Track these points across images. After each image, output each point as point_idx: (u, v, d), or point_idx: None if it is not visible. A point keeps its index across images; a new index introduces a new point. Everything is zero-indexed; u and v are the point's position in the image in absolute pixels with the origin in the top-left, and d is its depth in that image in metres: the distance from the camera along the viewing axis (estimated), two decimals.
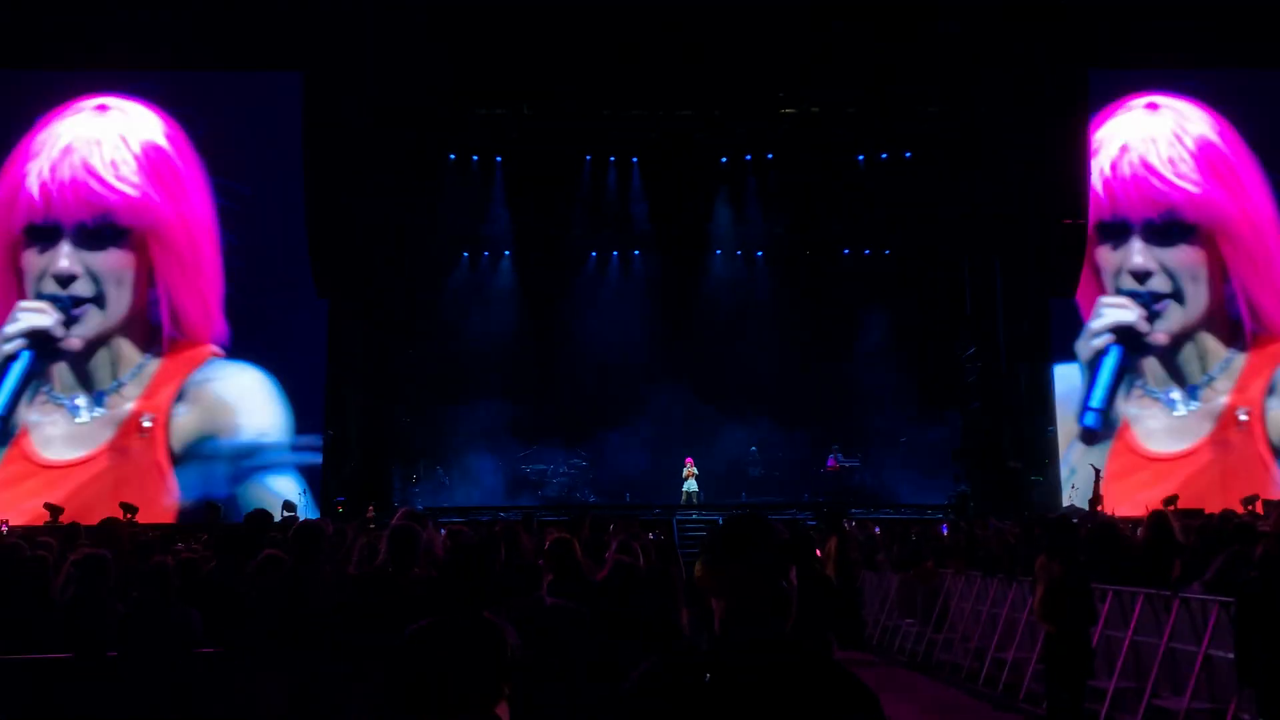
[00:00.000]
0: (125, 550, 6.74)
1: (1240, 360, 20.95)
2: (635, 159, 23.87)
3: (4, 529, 13.72)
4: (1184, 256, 21.13)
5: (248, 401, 20.12)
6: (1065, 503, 19.88)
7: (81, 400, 19.94)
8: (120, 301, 20.33)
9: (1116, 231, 21.22)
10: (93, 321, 20.22)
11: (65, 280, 20.12)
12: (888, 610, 14.00)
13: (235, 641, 5.13)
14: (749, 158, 23.94)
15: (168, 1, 20.01)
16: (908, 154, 23.29)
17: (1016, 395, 21.06)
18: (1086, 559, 8.83)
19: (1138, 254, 21.12)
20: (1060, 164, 20.37)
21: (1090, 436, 20.72)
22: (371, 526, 5.69)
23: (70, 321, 20.10)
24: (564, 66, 20.27)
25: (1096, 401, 20.77)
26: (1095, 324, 20.94)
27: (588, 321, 23.42)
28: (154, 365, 20.25)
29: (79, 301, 20.16)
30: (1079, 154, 20.62)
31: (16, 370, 19.79)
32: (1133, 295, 21.01)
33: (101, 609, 5.18)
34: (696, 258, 24.64)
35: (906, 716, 9.16)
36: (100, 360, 20.14)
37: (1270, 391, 20.80)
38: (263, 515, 6.89)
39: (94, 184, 20.42)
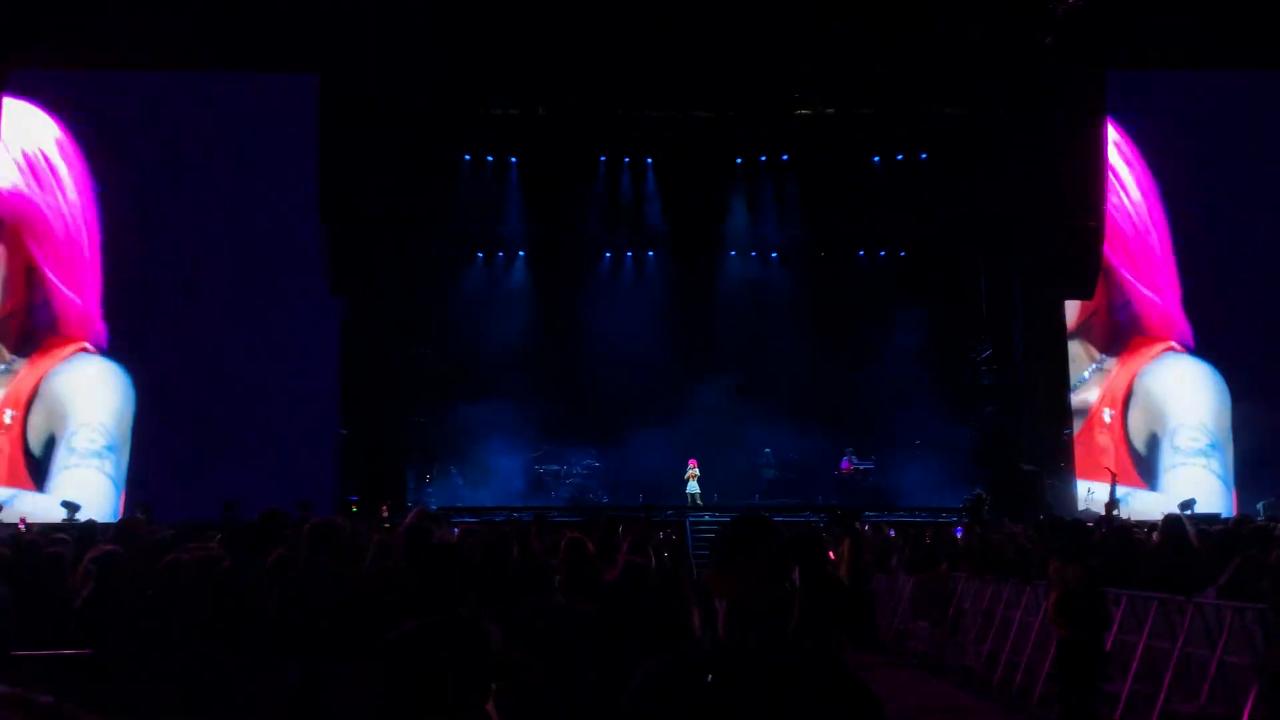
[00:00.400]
0: (143, 548, 6.79)
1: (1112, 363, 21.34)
2: (650, 159, 23.86)
3: (22, 526, 13.82)
4: None
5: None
6: (1080, 506, 19.81)
7: None
8: None
9: None
10: None
11: None
12: (900, 612, 13.96)
13: (242, 641, 5.16)
14: (764, 158, 23.91)
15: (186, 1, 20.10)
16: (923, 155, 23.23)
17: (1032, 398, 20.98)
18: (1101, 563, 8.81)
19: None
20: (1076, 165, 20.29)
21: None
22: (386, 525, 5.71)
23: None
24: (579, 66, 20.29)
25: None
26: None
27: (601, 322, 23.41)
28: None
29: None
30: (1095, 155, 20.53)
31: None
32: None
33: (117, 606, 5.22)
34: (711, 259, 24.61)
35: (918, 718, 9.14)
36: None
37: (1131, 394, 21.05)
38: (277, 514, 6.91)
39: None
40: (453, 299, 23.64)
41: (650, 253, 24.88)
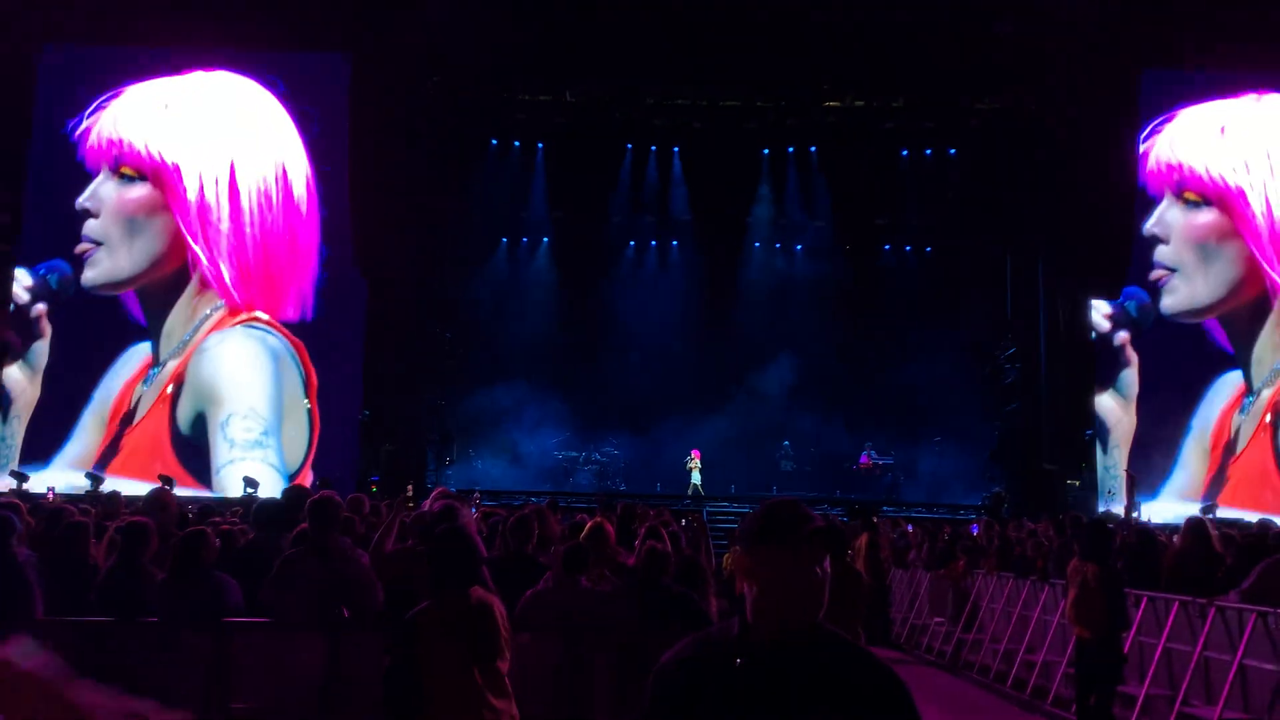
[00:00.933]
0: (171, 521, 6.86)
1: None
2: (676, 148, 23.80)
3: (51, 495, 13.97)
4: None
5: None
6: (1101, 508, 19.68)
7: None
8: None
9: None
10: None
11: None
12: (916, 608, 13.93)
13: (268, 611, 5.21)
14: (791, 150, 23.80)
15: None
16: (952, 150, 23.08)
17: (1055, 398, 20.84)
18: (1123, 565, 8.75)
19: None
20: (1108, 164, 20.10)
21: None
22: (410, 506, 5.75)
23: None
24: (608, 54, 20.24)
25: None
26: None
27: (624, 310, 23.43)
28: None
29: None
30: (1128, 155, 20.34)
31: None
32: None
33: (141, 575, 5.28)
34: (735, 249, 24.55)
35: (932, 716, 9.10)
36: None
37: None
38: (301, 490, 6.98)
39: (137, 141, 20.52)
40: (476, 284, 23.69)
41: (674, 242, 24.84)
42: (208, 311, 20.29)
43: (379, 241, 20.17)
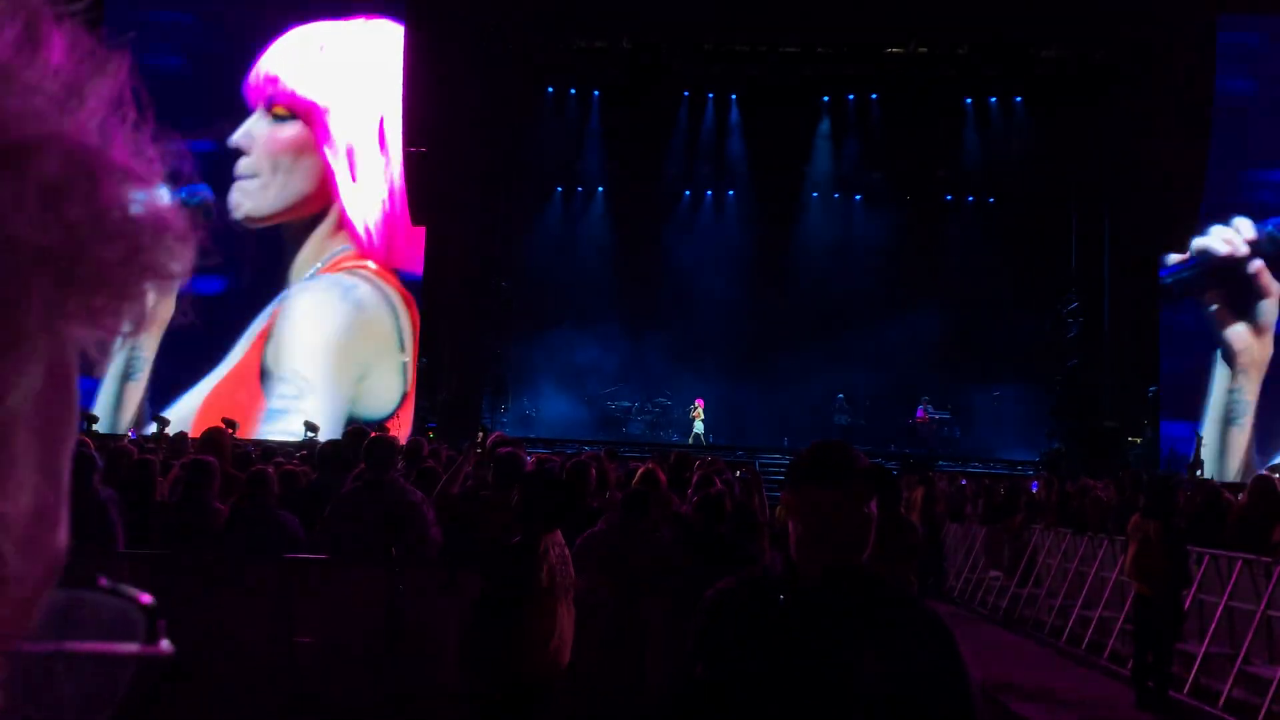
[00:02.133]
0: (227, 459, 7.00)
1: None
2: (734, 95, 23.48)
3: (132, 436, 14.35)
4: None
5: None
6: (1163, 465, 19.36)
7: None
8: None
9: None
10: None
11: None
12: (971, 563, 13.85)
13: (324, 547, 5.32)
14: (851, 97, 23.36)
15: None
16: (1018, 99, 22.51)
17: (1118, 353, 20.43)
18: (1185, 521, 8.62)
19: None
20: (1178, 115, 19.47)
21: None
22: (479, 451, 5.81)
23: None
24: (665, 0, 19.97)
25: None
26: None
27: (679, 260, 23.33)
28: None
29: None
30: (1199, 105, 19.67)
31: None
32: None
33: (205, 510, 5.41)
34: (793, 199, 24.23)
35: (987, 669, 9.08)
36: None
37: None
38: (360, 431, 7.07)
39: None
40: (532, 232, 23.71)
41: (731, 191, 24.58)
42: (336, 250, 20.70)
43: (435, 190, 20.24)
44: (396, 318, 20.72)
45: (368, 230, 20.82)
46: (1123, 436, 19.83)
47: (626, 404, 23.29)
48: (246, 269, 19.90)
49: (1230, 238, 20.10)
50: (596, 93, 23.40)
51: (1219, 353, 19.95)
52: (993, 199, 23.63)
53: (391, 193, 20.83)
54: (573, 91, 23.45)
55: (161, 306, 0.52)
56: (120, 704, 0.51)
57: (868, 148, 23.54)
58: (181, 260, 0.50)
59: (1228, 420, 19.65)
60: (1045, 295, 22.23)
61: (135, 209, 0.48)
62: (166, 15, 21.04)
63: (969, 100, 22.92)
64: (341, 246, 20.82)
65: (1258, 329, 19.92)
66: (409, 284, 20.85)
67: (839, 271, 23.27)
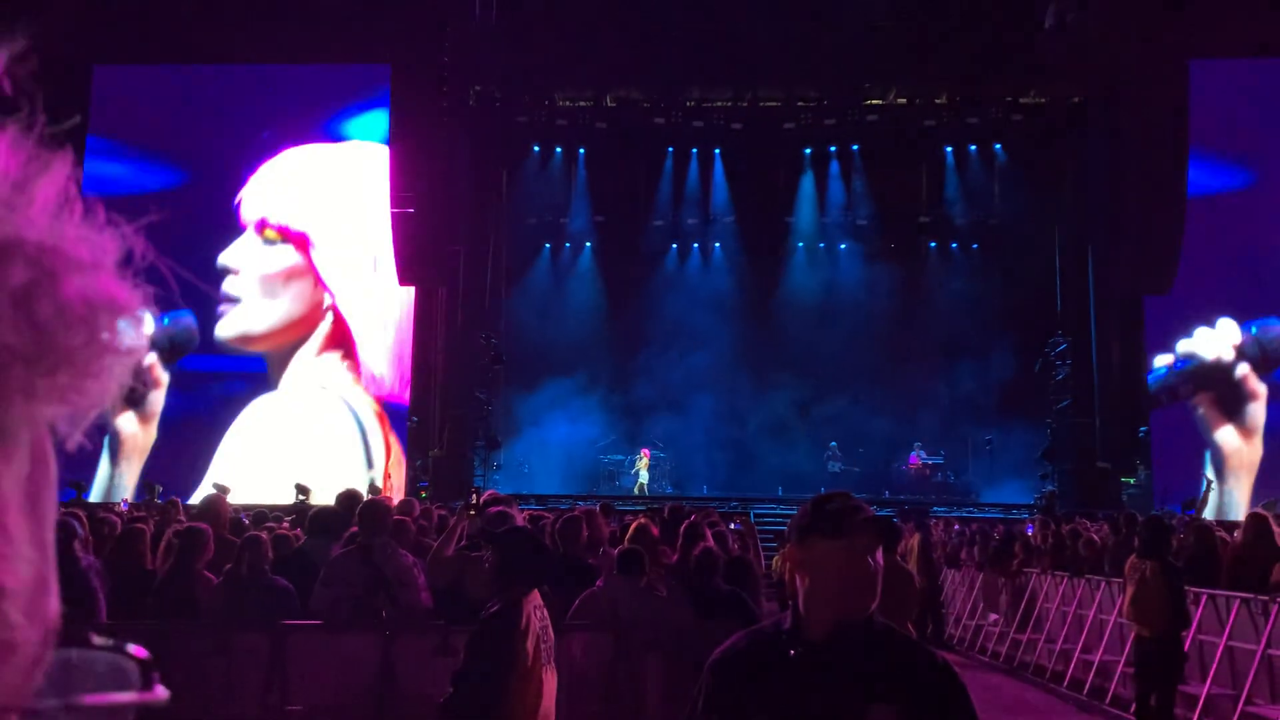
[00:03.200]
0: (224, 526, 6.96)
1: None
2: (717, 150, 23.76)
3: (124, 506, 14.26)
4: None
5: None
6: (1158, 506, 19.32)
7: None
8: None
9: None
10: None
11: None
12: (970, 608, 13.77)
13: (316, 613, 5.27)
14: (833, 149, 23.67)
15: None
16: (997, 146, 22.82)
17: (1108, 395, 20.51)
18: (1182, 561, 8.59)
19: None
20: (1156, 158, 19.75)
21: None
22: (471, 513, 5.79)
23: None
24: (647, 57, 20.28)
25: None
26: None
27: (668, 314, 23.43)
28: None
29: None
30: (1176, 148, 19.96)
31: None
32: None
33: (196, 579, 5.36)
34: (779, 250, 24.44)
35: (989, 717, 8.98)
36: None
37: None
38: (353, 495, 7.03)
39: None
40: (521, 290, 23.81)
41: (717, 244, 24.77)
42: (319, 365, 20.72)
43: (423, 249, 20.35)
44: (365, 438, 20.43)
45: (355, 355, 20.78)
46: (1115, 477, 19.83)
47: (619, 457, 23.24)
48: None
49: (1215, 341, 20.20)
50: (582, 150, 23.64)
51: (1208, 455, 19.92)
52: (976, 245, 23.86)
53: (383, 323, 20.86)
54: (558, 150, 23.69)
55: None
56: None
57: (851, 198, 23.80)
58: (136, 335, 0.53)
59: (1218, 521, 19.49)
60: (1033, 338, 22.35)
61: (92, 296, 0.51)
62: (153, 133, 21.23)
63: (949, 149, 23.22)
64: (339, 368, 20.70)
65: (1246, 431, 19.96)
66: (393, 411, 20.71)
67: (827, 321, 23.38)
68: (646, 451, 22.28)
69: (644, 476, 22.11)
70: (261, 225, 20.75)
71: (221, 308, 20.36)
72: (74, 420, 0.53)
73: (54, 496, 0.53)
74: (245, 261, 20.59)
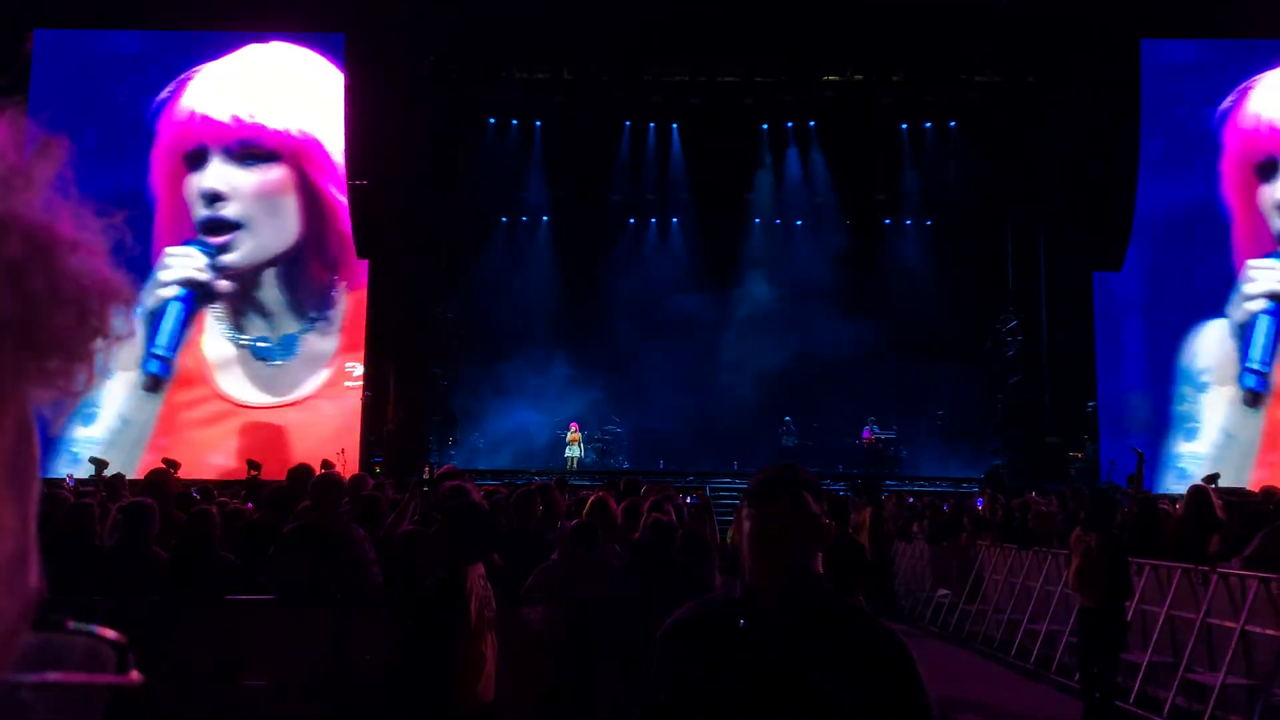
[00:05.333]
0: (170, 501, 6.87)
1: None
2: (675, 125, 23.70)
3: (70, 481, 14.04)
4: None
5: None
6: (1104, 480, 19.71)
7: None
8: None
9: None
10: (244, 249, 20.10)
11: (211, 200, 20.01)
12: (920, 580, 13.98)
13: (267, 588, 5.24)
14: (790, 125, 23.71)
15: None
16: (952, 123, 22.99)
17: (1057, 370, 20.85)
18: (1126, 534, 8.78)
19: None
20: (1107, 136, 20.03)
21: (1253, 399, 19.97)
22: (425, 490, 5.79)
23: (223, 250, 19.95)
24: (604, 30, 20.12)
25: (1256, 362, 19.96)
26: (1247, 288, 20.19)
27: (624, 288, 23.41)
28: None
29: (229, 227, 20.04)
30: (1127, 125, 20.25)
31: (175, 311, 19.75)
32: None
33: (144, 555, 5.30)
34: (736, 225, 24.47)
35: (937, 686, 9.14)
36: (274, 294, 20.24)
37: None
38: (305, 470, 6.99)
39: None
40: (477, 263, 23.66)
41: (675, 219, 24.76)
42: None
43: (378, 222, 20.13)
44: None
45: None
46: (1064, 452, 20.19)
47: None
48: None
49: None
50: (538, 123, 23.46)
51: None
52: (931, 221, 24.07)
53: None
54: (515, 122, 23.50)
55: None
56: None
57: (808, 174, 23.89)
58: (126, 320, 0.54)
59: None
60: (985, 314, 22.64)
61: (84, 277, 0.52)
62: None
63: (905, 125, 23.35)
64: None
65: None
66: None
67: (782, 296, 23.49)
68: (575, 425, 22.25)
69: (574, 450, 22.09)
70: (236, 144, 20.13)
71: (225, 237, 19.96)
72: (59, 406, 0.54)
73: (38, 472, 0.54)
74: (234, 185, 20.04)
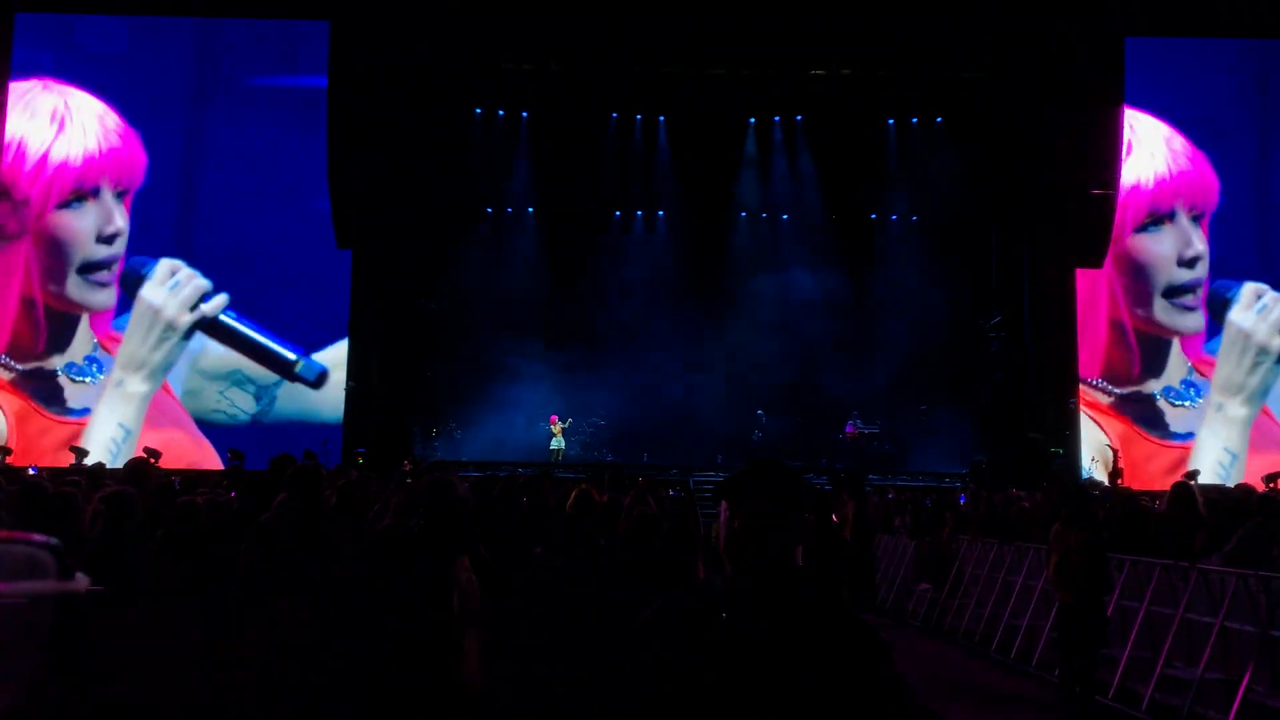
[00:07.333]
0: (151, 491, 6.83)
1: None
2: (662, 118, 23.67)
3: (33, 470, 13.93)
4: None
5: None
6: (1085, 476, 19.85)
7: None
8: None
9: None
10: None
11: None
12: (903, 575, 14.05)
13: (247, 580, 5.23)
14: (777, 119, 23.71)
15: None
16: (939, 119, 23.04)
17: (1040, 367, 20.95)
18: (1109, 532, 8.84)
19: None
20: (1092, 134, 20.13)
21: None
22: (408, 481, 5.76)
23: None
24: (592, 22, 20.06)
25: None
26: None
27: (610, 280, 23.39)
28: None
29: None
30: (1110, 123, 20.35)
31: None
32: None
33: (129, 545, 5.26)
34: (721, 219, 24.47)
35: (918, 680, 9.20)
36: None
37: None
38: (286, 460, 6.95)
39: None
40: (461, 254, 23.58)
41: (660, 212, 24.74)
42: None
43: (362, 213, 20.04)
44: None
45: None
46: (1046, 447, 20.30)
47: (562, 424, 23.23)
48: None
49: None
50: (525, 114, 23.38)
51: None
52: (916, 217, 24.12)
53: None
54: (501, 113, 23.40)
55: None
56: (46, 644, 0.53)
57: (794, 168, 23.90)
58: None
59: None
60: (969, 310, 22.72)
61: None
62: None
63: (891, 121, 23.39)
64: None
65: None
66: None
67: (768, 290, 23.53)
68: (555, 418, 22.29)
69: (558, 442, 22.12)
70: None
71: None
72: None
73: None
74: None
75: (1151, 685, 7.84)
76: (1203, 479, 19.60)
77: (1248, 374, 20.40)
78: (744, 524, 2.16)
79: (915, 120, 23.28)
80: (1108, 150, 20.27)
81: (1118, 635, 8.55)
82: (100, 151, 20.32)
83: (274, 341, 20.14)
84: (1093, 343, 20.71)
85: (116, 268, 20.07)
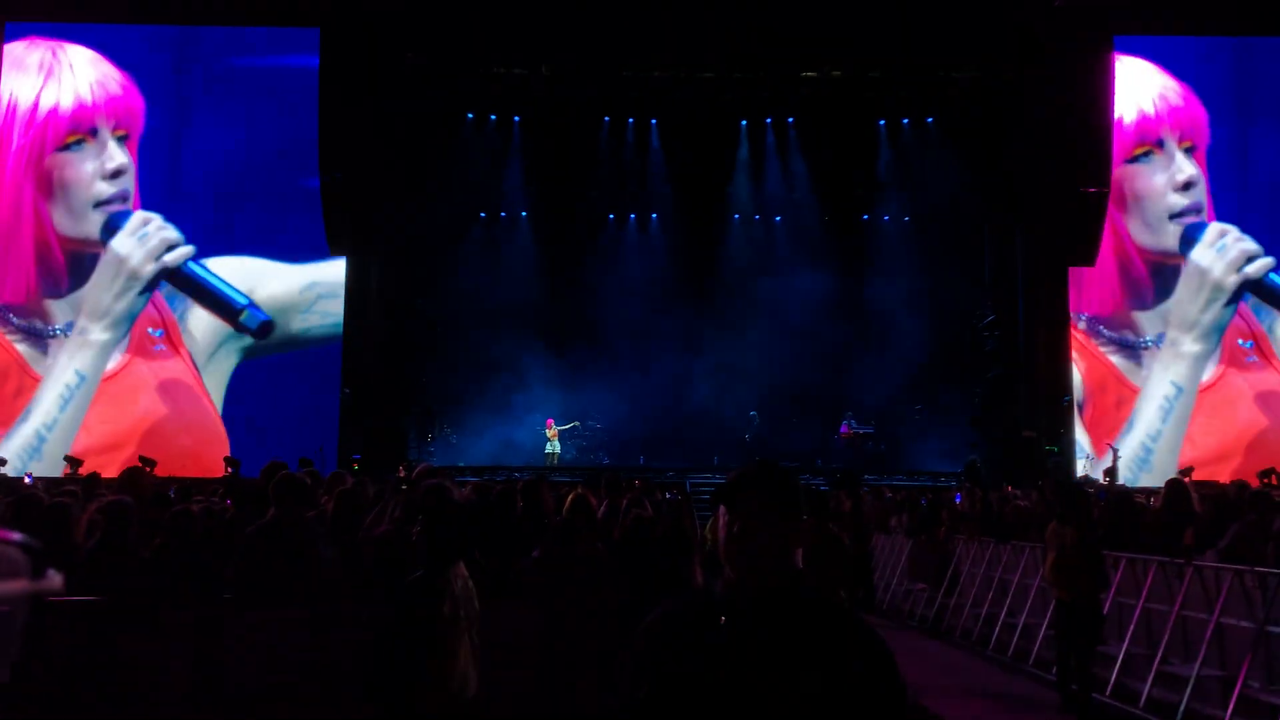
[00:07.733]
0: (146, 500, 6.82)
1: None
2: (654, 121, 23.67)
3: (28, 479, 13.91)
4: None
5: None
6: (1080, 474, 19.88)
7: None
8: None
9: None
10: None
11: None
12: (899, 574, 14.06)
13: (237, 588, 5.23)
14: (769, 121, 23.72)
15: None
16: (930, 119, 23.07)
17: (1034, 365, 20.98)
18: (1104, 529, 8.86)
19: None
20: (1083, 132, 20.17)
21: None
22: (404, 487, 5.75)
23: None
24: (583, 25, 20.05)
25: None
26: None
27: (604, 283, 23.38)
28: None
29: None
30: (1101, 121, 20.40)
31: None
32: None
33: (124, 554, 5.26)
34: (714, 221, 24.48)
35: (916, 679, 9.21)
36: None
37: None
38: (278, 467, 6.94)
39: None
40: (454, 258, 23.55)
41: (654, 214, 24.74)
42: None
43: (354, 217, 20.02)
44: None
45: None
46: (1040, 445, 20.33)
47: (557, 427, 23.23)
48: None
49: None
50: (517, 118, 23.36)
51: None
52: (909, 217, 24.16)
53: None
54: (493, 117, 23.37)
55: None
56: (23, 642, 0.53)
57: (786, 170, 23.92)
58: None
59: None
60: (963, 309, 22.75)
61: None
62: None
63: (882, 122, 23.42)
64: None
65: None
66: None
67: (762, 292, 23.54)
68: (550, 421, 22.25)
69: (553, 446, 22.11)
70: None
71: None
72: None
73: None
74: None
75: (1149, 682, 7.85)
76: (1146, 415, 19.97)
77: (1201, 311, 20.70)
78: (743, 527, 2.16)
79: (906, 121, 23.31)
80: (1099, 148, 20.31)
81: (1114, 632, 8.57)
82: (93, 92, 20.47)
83: (224, 287, 20.29)
84: (1101, 278, 20.92)
85: (131, 202, 20.30)
